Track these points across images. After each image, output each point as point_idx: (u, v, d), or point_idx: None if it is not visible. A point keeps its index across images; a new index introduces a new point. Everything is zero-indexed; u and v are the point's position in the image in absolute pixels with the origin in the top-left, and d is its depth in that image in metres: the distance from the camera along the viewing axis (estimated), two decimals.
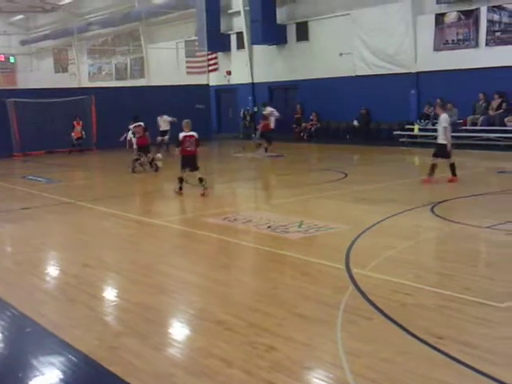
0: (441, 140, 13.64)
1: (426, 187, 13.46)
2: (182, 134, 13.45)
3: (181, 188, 13.62)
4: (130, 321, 6.04)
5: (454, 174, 13.74)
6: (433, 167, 13.69)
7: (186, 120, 13.69)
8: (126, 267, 8.17)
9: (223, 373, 4.75)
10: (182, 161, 13.55)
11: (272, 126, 22.30)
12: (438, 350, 4.94)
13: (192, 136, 13.37)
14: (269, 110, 22.84)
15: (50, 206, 13.06)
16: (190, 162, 13.45)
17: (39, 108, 24.06)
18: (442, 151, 13.59)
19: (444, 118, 13.55)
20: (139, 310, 6.31)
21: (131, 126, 18.49)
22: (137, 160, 17.91)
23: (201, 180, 13.42)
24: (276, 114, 22.82)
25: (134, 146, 17.99)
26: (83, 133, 24.83)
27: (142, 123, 18.18)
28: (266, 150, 21.63)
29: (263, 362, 4.88)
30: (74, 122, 24.81)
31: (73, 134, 24.80)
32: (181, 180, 13.59)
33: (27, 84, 38.61)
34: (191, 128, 13.51)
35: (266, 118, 22.21)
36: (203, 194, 13.34)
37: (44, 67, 46.77)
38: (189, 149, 13.36)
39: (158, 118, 22.12)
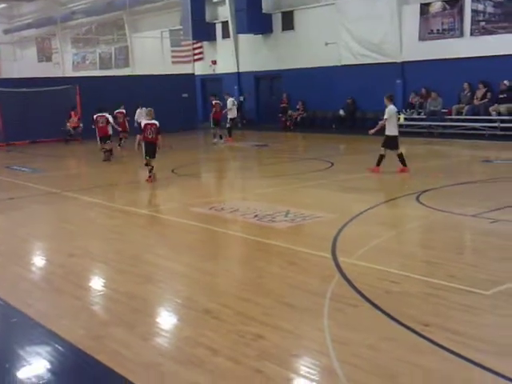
0: (387, 131, 13.79)
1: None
2: (144, 122, 14.01)
3: (150, 176, 14.04)
4: (116, 310, 6.04)
5: (403, 164, 13.85)
6: (381, 157, 13.87)
7: (148, 108, 14.33)
8: (113, 257, 8.15)
9: (210, 361, 4.76)
10: (144, 148, 14.09)
11: (231, 114, 23.13)
12: (424, 337, 4.99)
13: (153, 124, 13.80)
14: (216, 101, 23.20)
15: (34, 196, 12.97)
16: (149, 149, 13.92)
17: (23, 97, 23.81)
18: (388, 142, 13.76)
19: (387, 110, 13.73)
20: (126, 300, 6.30)
21: (94, 116, 18.69)
22: (103, 149, 18.44)
23: (151, 167, 13.99)
24: (229, 105, 23.36)
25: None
26: (81, 124, 24.63)
27: (105, 114, 18.70)
28: (221, 137, 22.44)
29: (250, 351, 4.90)
30: (72, 112, 24.65)
31: (68, 123, 24.63)
32: (148, 166, 14.05)
33: (11, 73, 38.25)
34: (153, 116, 13.93)
35: (214, 106, 22.72)
36: (148, 180, 13.97)
37: (27, 56, 46.26)
38: (150, 136, 13.81)
39: (138, 110, 21.76)
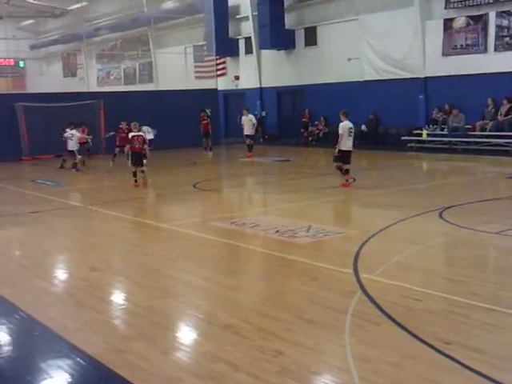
0: (341, 146, 14.25)
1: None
2: (131, 134, 15.78)
3: (136, 181, 15.64)
4: (137, 324, 6.05)
5: (345, 174, 14.39)
6: (339, 169, 14.45)
7: (134, 122, 16.07)
8: (134, 271, 8.19)
9: (230, 377, 4.75)
10: (132, 157, 15.69)
11: (249, 131, 23.09)
12: (446, 356, 4.93)
13: (140, 136, 15.67)
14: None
15: (58, 210, 13.11)
16: (137, 158, 15.57)
17: (48, 112, 24.13)
18: (341, 156, 14.32)
19: (340, 126, 14.36)
20: (147, 314, 6.32)
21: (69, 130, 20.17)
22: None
23: (142, 171, 15.65)
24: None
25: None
26: (88, 138, 24.80)
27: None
28: (210, 149, 24.48)
29: (271, 367, 4.88)
30: (80, 129, 24.87)
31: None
32: (134, 174, 15.66)
33: (36, 88, 38.74)
34: (139, 129, 16.01)
35: (202, 119, 24.62)
36: (137, 185, 15.60)
37: (53, 72, 46.93)
38: (137, 146, 15.49)
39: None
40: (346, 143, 14.29)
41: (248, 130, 23.07)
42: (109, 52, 43.38)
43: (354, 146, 14.91)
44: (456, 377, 4.60)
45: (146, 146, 15.70)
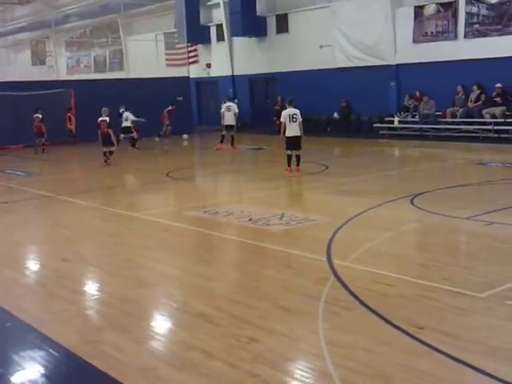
0: (286, 133, 14.66)
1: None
2: (99, 119, 17.79)
3: (105, 161, 17.59)
4: (110, 314, 6.02)
5: (297, 164, 14.65)
6: (288, 158, 14.78)
7: (104, 108, 17.96)
8: (106, 261, 8.14)
9: (205, 365, 4.76)
10: (102, 139, 17.72)
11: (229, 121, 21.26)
12: (419, 340, 4.99)
13: (104, 120, 17.73)
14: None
15: (28, 200, 12.94)
16: (105, 139, 17.67)
17: (17, 101, 23.77)
18: (288, 143, 14.72)
19: (282, 113, 14.87)
20: (120, 304, 6.29)
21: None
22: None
23: (111, 152, 17.80)
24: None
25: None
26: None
27: (38, 115, 22.23)
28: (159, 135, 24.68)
29: (245, 354, 4.89)
30: (69, 115, 24.70)
31: (70, 125, 24.69)
32: (104, 154, 17.65)
33: (4, 77, 38.07)
34: (107, 114, 17.92)
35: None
36: (108, 164, 17.55)
37: (21, 60, 46.15)
38: (105, 130, 17.64)
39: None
40: (290, 129, 14.52)
41: (229, 119, 21.18)
42: (78, 39, 42.77)
43: (327, 133, 15.00)
44: (428, 360, 4.66)
45: (110, 130, 17.72)
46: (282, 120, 14.71)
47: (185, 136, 25.54)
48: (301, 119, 14.58)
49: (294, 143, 14.57)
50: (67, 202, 12.44)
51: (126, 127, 21.27)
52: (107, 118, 17.74)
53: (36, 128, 22.38)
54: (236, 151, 20.63)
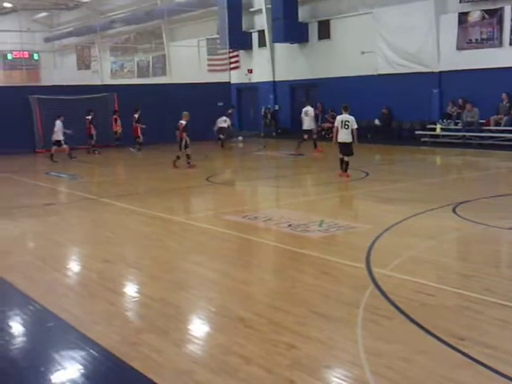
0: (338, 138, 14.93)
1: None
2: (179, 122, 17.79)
3: (188, 162, 17.86)
4: (150, 316, 6.08)
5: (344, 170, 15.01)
6: (341, 162, 15.11)
7: (184, 112, 17.87)
8: (147, 263, 8.23)
9: (243, 370, 4.77)
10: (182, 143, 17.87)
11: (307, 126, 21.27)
12: (459, 351, 4.92)
13: (181, 124, 17.60)
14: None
15: (72, 202, 13.18)
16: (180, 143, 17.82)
17: (62, 104, 24.22)
18: (340, 148, 14.98)
19: (336, 118, 15.18)
20: (160, 306, 6.35)
21: None
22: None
23: (188, 156, 17.93)
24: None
25: None
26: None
27: (88, 117, 23.19)
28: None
29: (283, 360, 4.89)
30: (115, 117, 24.94)
31: (117, 128, 25.01)
32: (187, 156, 17.90)
33: (51, 81, 38.96)
34: (187, 118, 17.64)
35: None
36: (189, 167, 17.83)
37: (67, 64, 47.13)
38: (180, 133, 17.62)
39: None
40: (341, 135, 14.70)
41: (306, 124, 21.08)
42: (122, 45, 43.47)
43: (367, 140, 14.96)
44: (469, 372, 4.58)
45: (183, 134, 17.60)
46: (335, 124, 14.97)
47: (240, 138, 28.29)
48: (355, 126, 14.64)
49: (343, 149, 14.78)
50: (109, 205, 12.62)
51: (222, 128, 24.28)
52: (183, 122, 17.76)
53: (86, 130, 23.20)
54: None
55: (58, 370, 4.99)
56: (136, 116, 22.99)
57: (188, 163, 17.82)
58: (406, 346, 5.09)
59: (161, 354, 5.12)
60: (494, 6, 21.50)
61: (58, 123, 21.26)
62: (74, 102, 24.28)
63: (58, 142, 21.29)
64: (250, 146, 25.20)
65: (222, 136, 24.77)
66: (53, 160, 20.85)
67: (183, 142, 17.69)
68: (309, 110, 21.31)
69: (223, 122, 25.13)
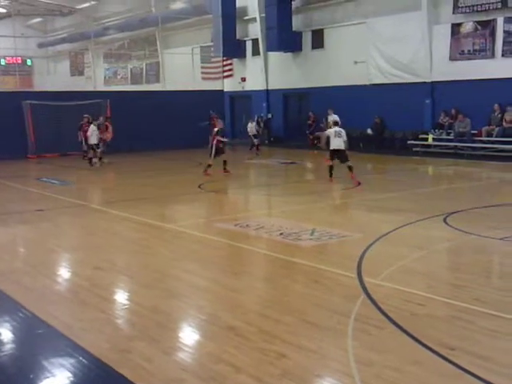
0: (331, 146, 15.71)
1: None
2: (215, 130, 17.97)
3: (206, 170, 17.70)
4: (140, 324, 6.06)
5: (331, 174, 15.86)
6: (330, 170, 15.92)
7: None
8: (138, 271, 8.20)
9: (233, 378, 4.75)
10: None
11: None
12: (449, 361, 4.92)
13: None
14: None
15: (63, 208, 13.13)
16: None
17: (55, 110, 24.20)
18: (333, 156, 15.74)
19: (328, 131, 16.26)
20: (150, 314, 6.32)
21: None
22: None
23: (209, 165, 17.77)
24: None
25: None
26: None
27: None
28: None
29: (274, 369, 4.88)
30: (107, 123, 24.66)
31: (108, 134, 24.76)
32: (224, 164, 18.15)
33: (44, 87, 38.87)
34: (221, 125, 18.24)
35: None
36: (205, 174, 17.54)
37: (60, 70, 47.09)
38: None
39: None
40: (334, 143, 15.50)
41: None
42: (116, 51, 43.50)
43: (360, 149, 15.14)
44: (459, 383, 4.58)
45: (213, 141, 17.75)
46: (326, 133, 16.04)
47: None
48: (345, 138, 15.54)
49: (338, 156, 15.51)
50: (101, 211, 12.58)
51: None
52: (215, 129, 17.98)
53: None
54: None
55: (48, 377, 4.95)
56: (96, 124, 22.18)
57: (205, 170, 17.68)
58: (397, 355, 5.09)
59: (151, 361, 5.10)
60: (486, 18, 21.65)
61: (92, 127, 21.20)
62: (67, 108, 24.22)
63: (94, 146, 21.22)
64: (242, 153, 25.18)
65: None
66: (91, 164, 20.99)
67: (213, 150, 17.63)
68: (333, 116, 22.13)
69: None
